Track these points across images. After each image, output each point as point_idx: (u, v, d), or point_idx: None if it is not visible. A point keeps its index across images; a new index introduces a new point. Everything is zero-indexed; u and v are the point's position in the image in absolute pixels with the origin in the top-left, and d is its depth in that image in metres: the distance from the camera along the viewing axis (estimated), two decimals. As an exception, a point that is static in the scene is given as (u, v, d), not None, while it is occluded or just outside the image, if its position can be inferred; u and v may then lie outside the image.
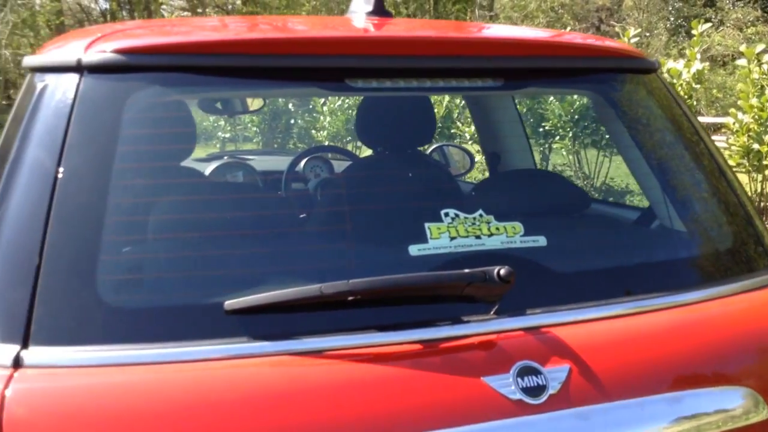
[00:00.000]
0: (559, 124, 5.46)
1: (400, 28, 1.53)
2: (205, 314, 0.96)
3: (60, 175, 1.00)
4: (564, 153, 5.94)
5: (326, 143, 6.91)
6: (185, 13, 16.95)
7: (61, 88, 1.07)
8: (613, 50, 1.41)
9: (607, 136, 4.61)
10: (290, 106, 7.05)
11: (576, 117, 5.35)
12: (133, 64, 1.06)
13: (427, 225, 1.07)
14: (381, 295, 0.97)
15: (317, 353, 0.94)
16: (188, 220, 1.05)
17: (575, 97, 5.08)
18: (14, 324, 0.92)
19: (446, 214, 1.09)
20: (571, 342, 1.00)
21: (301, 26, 1.68)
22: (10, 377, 0.88)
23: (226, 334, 0.95)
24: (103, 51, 1.07)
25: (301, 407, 0.90)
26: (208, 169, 2.46)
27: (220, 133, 6.51)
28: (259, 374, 0.93)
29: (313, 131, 7.28)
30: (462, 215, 1.10)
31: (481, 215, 1.11)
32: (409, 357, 0.96)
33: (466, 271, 0.96)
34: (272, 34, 1.30)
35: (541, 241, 1.12)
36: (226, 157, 3.09)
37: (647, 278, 1.16)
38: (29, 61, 1.21)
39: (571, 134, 5.40)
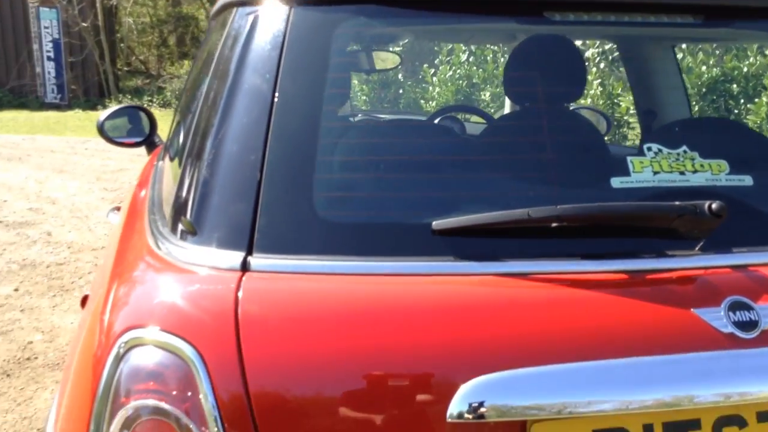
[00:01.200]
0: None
1: None
2: (413, 233, 1.00)
3: (276, 99, 1.06)
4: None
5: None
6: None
7: (273, 20, 1.13)
8: None
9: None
10: (399, 76, 7.04)
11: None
12: None
13: (629, 158, 1.06)
14: (588, 222, 0.97)
15: (522, 276, 0.96)
16: (397, 145, 1.09)
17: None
18: (240, 233, 1.00)
19: (649, 149, 1.07)
20: (781, 282, 0.97)
21: None
22: (240, 278, 0.95)
23: (433, 252, 0.98)
24: None
25: (502, 327, 0.93)
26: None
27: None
28: (464, 292, 0.96)
29: (422, 101, 7.24)
30: (665, 150, 1.08)
31: (685, 151, 1.08)
32: (615, 286, 0.96)
33: (677, 203, 0.95)
34: None
35: (747, 180, 1.08)
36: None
37: None
38: None
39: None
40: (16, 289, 3.98)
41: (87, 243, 4.89)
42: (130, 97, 13.03)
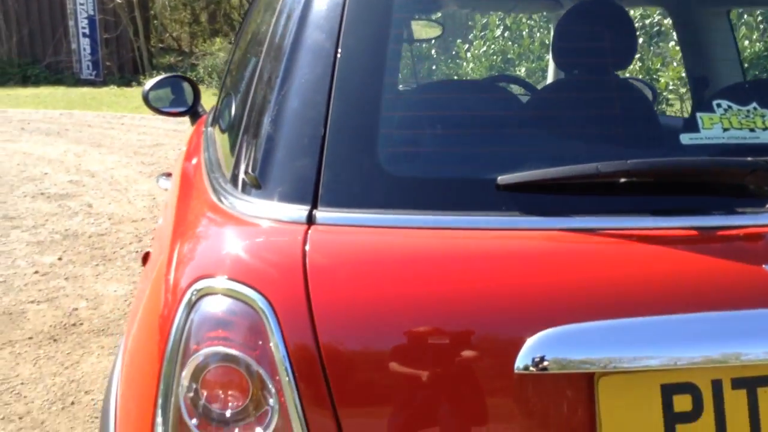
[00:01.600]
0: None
1: None
2: (478, 188, 1.00)
3: (339, 55, 1.06)
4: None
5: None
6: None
7: None
8: None
9: None
10: (433, 51, 6.98)
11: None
12: None
13: (699, 114, 1.04)
14: (658, 178, 0.96)
15: (589, 231, 0.96)
16: (461, 100, 1.09)
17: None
18: (305, 187, 1.00)
19: (719, 105, 1.06)
20: None
21: None
22: (306, 231, 0.96)
23: (497, 207, 0.98)
24: None
25: (569, 281, 0.92)
26: None
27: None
28: (530, 247, 0.96)
29: (455, 78, 7.18)
30: (735, 107, 1.06)
31: (755, 108, 1.06)
32: (685, 242, 0.95)
33: (749, 158, 0.93)
34: None
35: None
36: None
37: None
38: None
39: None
40: (60, 258, 4.07)
41: (127, 215, 4.97)
42: (163, 74, 13.12)
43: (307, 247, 0.94)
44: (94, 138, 7.95)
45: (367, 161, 1.02)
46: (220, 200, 1.11)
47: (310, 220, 0.98)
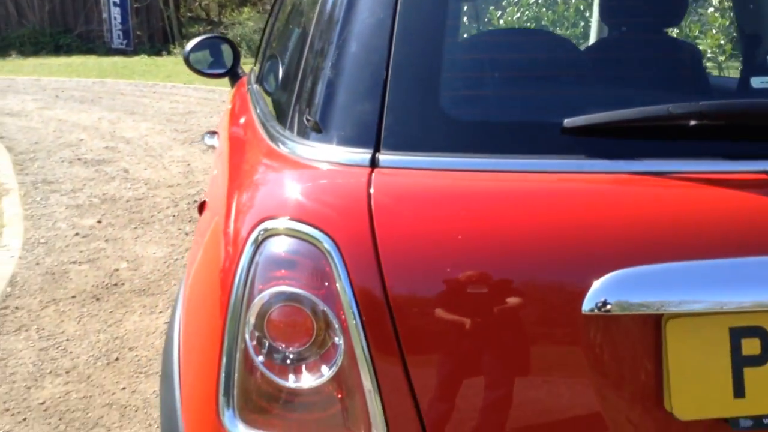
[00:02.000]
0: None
1: None
2: (542, 131, 0.99)
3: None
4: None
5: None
6: None
7: None
8: None
9: None
10: (465, 19, 6.88)
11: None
12: None
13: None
14: (731, 120, 0.94)
15: (657, 175, 0.95)
16: (524, 44, 1.07)
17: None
18: (368, 131, 1.00)
19: None
20: None
21: None
22: (370, 174, 0.96)
23: (563, 151, 0.97)
24: None
25: (637, 223, 0.91)
26: None
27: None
28: (596, 190, 0.95)
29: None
30: None
31: None
32: (755, 186, 0.93)
33: None
34: None
35: None
36: None
37: None
38: None
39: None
40: (99, 221, 4.14)
41: (163, 180, 5.02)
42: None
43: (372, 190, 0.94)
44: (128, 105, 8.01)
45: (429, 105, 1.01)
46: (279, 146, 1.11)
47: (374, 164, 0.98)
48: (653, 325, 0.90)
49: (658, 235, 0.90)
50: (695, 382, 0.89)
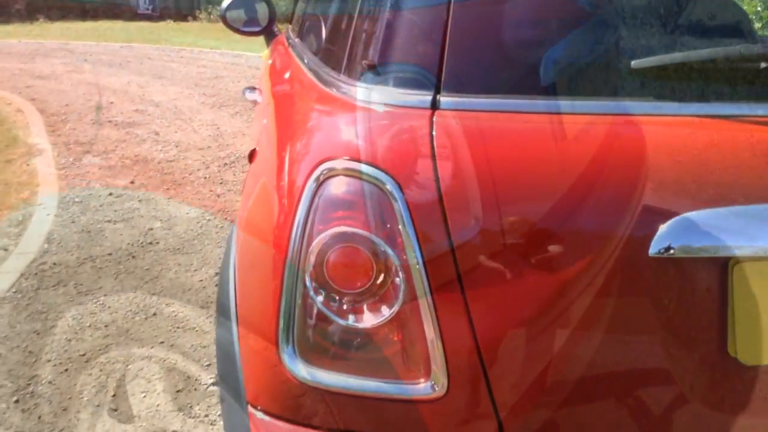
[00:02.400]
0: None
1: None
2: (608, 72, 0.97)
3: None
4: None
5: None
6: None
7: None
8: None
9: None
10: None
11: None
12: None
13: None
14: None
15: (727, 117, 0.93)
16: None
17: None
18: (428, 73, 0.99)
19: None
20: None
21: None
22: (432, 116, 0.96)
23: (630, 93, 0.95)
24: None
25: (704, 167, 0.90)
26: None
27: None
28: (664, 133, 0.93)
29: None
30: None
31: None
32: (829, 129, 0.91)
33: None
34: None
35: None
36: None
37: None
38: None
39: None
40: (132, 182, 4.17)
41: (193, 143, 5.04)
42: (218, 9, 13.12)
43: (434, 132, 0.93)
44: (156, 70, 8.03)
45: (491, 46, 0.99)
46: (334, 90, 1.11)
47: (434, 105, 0.97)
48: (720, 269, 0.89)
49: (728, 179, 0.88)
50: (761, 327, 0.88)
